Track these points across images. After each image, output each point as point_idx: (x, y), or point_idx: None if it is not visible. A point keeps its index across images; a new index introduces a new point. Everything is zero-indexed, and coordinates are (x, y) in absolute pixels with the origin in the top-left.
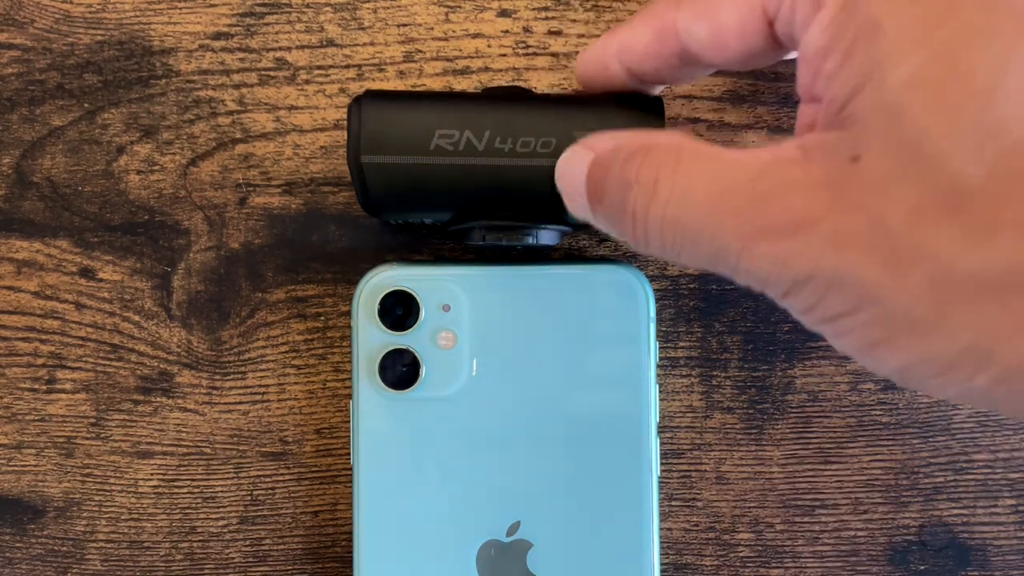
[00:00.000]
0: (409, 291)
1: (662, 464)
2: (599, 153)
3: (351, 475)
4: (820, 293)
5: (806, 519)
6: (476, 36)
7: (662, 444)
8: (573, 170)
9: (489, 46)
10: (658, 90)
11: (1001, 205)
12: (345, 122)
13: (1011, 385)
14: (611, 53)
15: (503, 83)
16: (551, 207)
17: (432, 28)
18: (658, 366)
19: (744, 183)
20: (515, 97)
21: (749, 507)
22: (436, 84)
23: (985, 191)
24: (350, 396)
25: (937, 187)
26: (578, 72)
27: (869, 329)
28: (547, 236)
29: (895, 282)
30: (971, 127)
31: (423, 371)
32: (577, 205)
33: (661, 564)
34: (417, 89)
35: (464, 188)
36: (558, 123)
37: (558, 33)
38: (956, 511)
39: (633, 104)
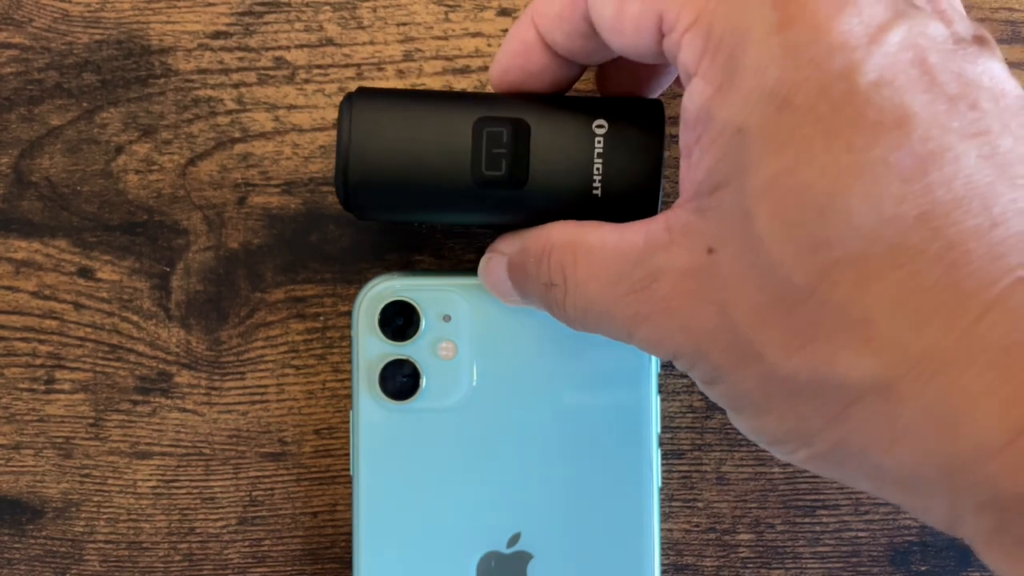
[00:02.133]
0: (410, 301)
1: (662, 464)
2: (510, 256)
3: (350, 479)
4: (687, 367)
5: (807, 520)
6: (476, 35)
7: (662, 445)
8: (496, 275)
9: (489, 45)
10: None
11: (816, 316)
12: None
13: (823, 463)
14: (528, 22)
15: None
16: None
17: (432, 27)
18: (659, 369)
19: (623, 274)
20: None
21: (750, 508)
22: (435, 83)
23: (807, 301)
24: (349, 397)
25: (771, 291)
26: (495, 65)
27: (725, 398)
28: None
29: (735, 371)
30: (802, 239)
31: (423, 381)
32: (511, 301)
33: (661, 565)
34: (415, 88)
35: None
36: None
37: None
38: None
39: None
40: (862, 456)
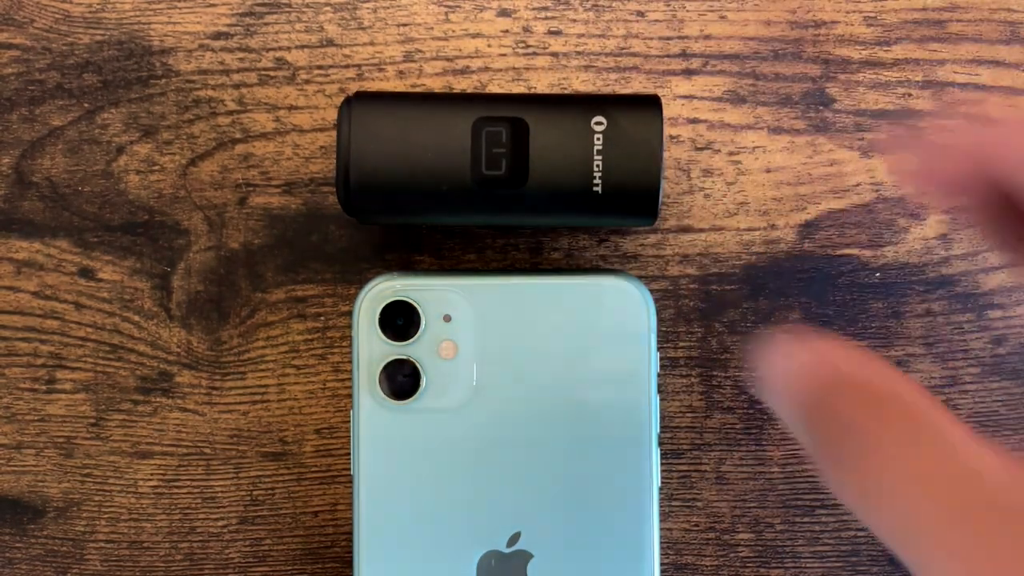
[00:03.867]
0: (410, 301)
1: (662, 464)
2: (821, 360)
3: (350, 478)
4: None
5: (806, 519)
6: (476, 36)
7: (662, 444)
8: (777, 375)
9: (489, 46)
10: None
11: None
12: None
13: None
14: (963, 149)
15: (502, 83)
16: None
17: (432, 28)
18: (659, 367)
19: (983, 501)
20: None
21: (749, 507)
22: (436, 84)
23: None
24: (350, 396)
25: None
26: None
27: None
28: None
29: None
30: None
31: (424, 381)
32: (767, 394)
33: (661, 564)
34: (412, 91)
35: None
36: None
37: (558, 33)
38: None
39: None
40: None
